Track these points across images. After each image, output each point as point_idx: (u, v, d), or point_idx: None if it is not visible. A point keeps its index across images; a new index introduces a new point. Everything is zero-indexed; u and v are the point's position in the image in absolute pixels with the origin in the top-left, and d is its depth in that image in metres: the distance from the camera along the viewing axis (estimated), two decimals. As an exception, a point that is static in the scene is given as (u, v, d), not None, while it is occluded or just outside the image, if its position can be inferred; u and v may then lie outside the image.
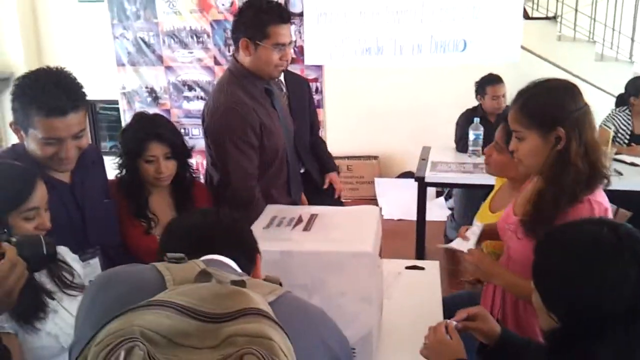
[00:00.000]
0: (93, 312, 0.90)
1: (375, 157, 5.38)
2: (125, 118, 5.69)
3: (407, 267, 2.28)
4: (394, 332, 1.81)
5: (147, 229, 2.08)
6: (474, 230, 2.00)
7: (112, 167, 2.10)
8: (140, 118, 2.13)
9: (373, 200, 5.12)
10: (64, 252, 1.62)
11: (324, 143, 3.23)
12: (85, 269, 1.77)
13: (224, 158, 2.26)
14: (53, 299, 1.47)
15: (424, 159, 3.76)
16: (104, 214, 1.91)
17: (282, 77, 2.93)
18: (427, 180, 3.41)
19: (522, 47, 4.69)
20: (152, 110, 5.61)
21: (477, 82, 4.18)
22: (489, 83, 4.07)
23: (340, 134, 5.35)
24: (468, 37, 4.77)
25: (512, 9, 4.57)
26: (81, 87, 1.67)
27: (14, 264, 1.09)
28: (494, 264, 1.88)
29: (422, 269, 2.29)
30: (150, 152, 2.02)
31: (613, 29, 5.09)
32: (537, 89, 1.71)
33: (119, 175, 2.10)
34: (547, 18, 5.17)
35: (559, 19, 5.17)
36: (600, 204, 1.64)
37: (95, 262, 1.86)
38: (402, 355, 1.71)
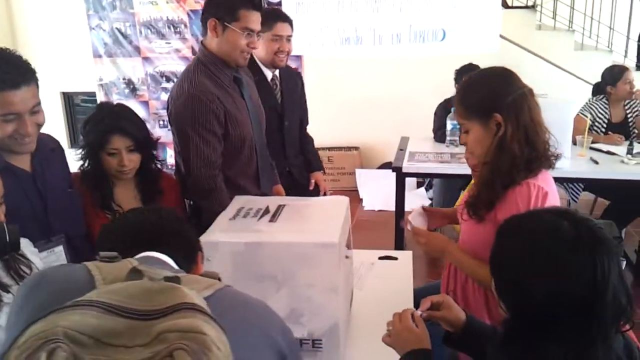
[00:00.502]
0: (23, 314, 0.88)
1: (356, 148, 5.35)
2: (103, 110, 5.61)
3: (381, 258, 2.27)
4: (363, 324, 1.79)
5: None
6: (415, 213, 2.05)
7: (74, 159, 2.06)
8: (102, 109, 2.08)
9: (354, 191, 5.10)
10: (23, 245, 1.58)
11: (312, 141, 3.22)
12: (49, 257, 1.75)
13: (185, 146, 2.23)
14: (8, 292, 1.43)
15: (402, 149, 3.74)
16: (67, 203, 1.87)
17: (277, 72, 2.92)
18: (404, 170, 3.39)
19: (501, 37, 4.69)
20: (130, 102, 5.55)
21: (456, 71, 4.16)
22: (467, 71, 4.05)
23: (320, 124, 5.26)
24: (447, 27, 4.76)
25: (491, -2, 4.57)
26: (28, 63, 1.64)
27: None
28: (443, 241, 1.90)
29: (396, 259, 2.28)
30: (112, 145, 1.98)
31: (592, 18, 5.09)
32: (473, 79, 1.75)
33: (81, 168, 2.06)
34: (526, 7, 5.16)
35: (538, 8, 5.16)
36: (540, 187, 1.64)
37: (60, 250, 1.82)
38: (370, 346, 1.69)
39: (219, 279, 0.95)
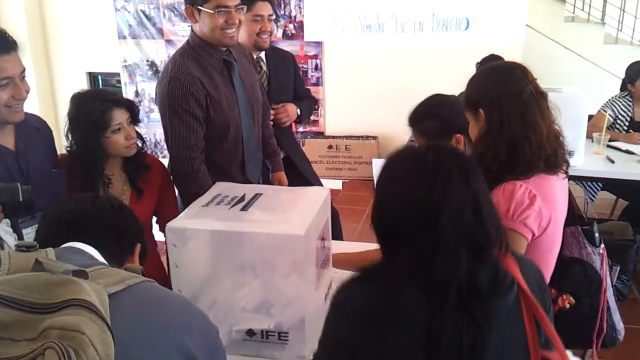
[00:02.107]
0: None
1: (375, 138, 5.29)
2: (127, 91, 5.69)
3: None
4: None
5: None
6: None
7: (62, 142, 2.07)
8: (86, 95, 2.07)
9: (370, 181, 5.05)
10: (-3, 223, 1.61)
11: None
12: (33, 233, 1.76)
13: (166, 127, 2.24)
14: None
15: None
16: (52, 183, 1.89)
17: (262, 55, 2.86)
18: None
19: (528, 26, 4.56)
20: (153, 84, 5.59)
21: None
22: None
23: (339, 113, 5.27)
24: (471, 16, 4.65)
25: (517, -15, 4.44)
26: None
27: None
28: None
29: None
30: (116, 120, 1.98)
31: (624, 11, 4.90)
32: (477, 72, 1.73)
33: (69, 150, 2.07)
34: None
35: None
36: (527, 189, 1.56)
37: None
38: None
39: (143, 274, 0.94)
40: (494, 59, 3.90)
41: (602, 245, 1.84)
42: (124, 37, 5.52)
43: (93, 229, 1.07)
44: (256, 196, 1.72)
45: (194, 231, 1.53)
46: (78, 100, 2.01)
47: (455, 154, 1.11)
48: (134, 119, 2.05)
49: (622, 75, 4.47)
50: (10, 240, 1.62)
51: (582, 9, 4.96)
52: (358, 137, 5.29)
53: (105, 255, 1.02)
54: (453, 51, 4.92)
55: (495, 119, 1.58)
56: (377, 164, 4.24)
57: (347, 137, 5.25)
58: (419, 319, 1.02)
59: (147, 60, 5.57)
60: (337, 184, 5.19)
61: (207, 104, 2.20)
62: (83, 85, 5.73)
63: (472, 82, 1.72)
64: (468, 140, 1.77)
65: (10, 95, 1.68)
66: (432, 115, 1.89)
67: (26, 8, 5.54)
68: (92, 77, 5.84)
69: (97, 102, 1.97)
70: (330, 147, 5.26)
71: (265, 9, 2.70)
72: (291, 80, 3.03)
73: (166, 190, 2.21)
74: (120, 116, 1.99)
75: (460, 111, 1.76)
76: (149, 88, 5.64)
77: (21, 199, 1.20)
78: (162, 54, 5.50)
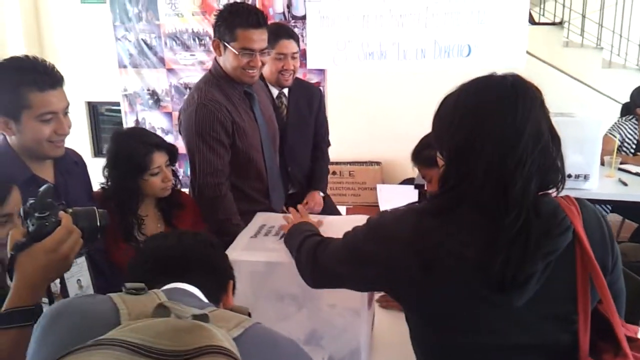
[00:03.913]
0: (43, 346, 0.84)
1: (378, 163, 5.31)
2: (127, 120, 5.66)
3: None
4: (385, 347, 1.75)
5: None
6: None
7: (99, 178, 2.05)
8: (130, 134, 2.07)
9: (375, 207, 5.04)
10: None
11: (324, 160, 3.09)
12: (72, 268, 1.73)
13: (192, 153, 2.24)
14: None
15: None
16: None
17: (285, 90, 2.84)
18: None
19: (528, 53, 4.63)
20: (154, 113, 5.60)
21: None
22: None
23: (342, 139, 5.26)
24: (473, 42, 4.71)
25: (518, 13, 4.51)
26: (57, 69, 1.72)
27: (69, 231, 1.13)
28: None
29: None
30: (155, 164, 1.99)
31: (620, 36, 5.01)
32: None
33: (104, 187, 2.05)
34: (553, 24, 5.09)
35: (565, 25, 5.09)
36: None
37: (82, 261, 1.80)
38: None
39: (249, 314, 0.92)
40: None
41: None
42: (125, 67, 5.51)
43: (195, 267, 1.04)
44: (302, 226, 1.71)
45: (248, 263, 1.52)
46: (120, 140, 2.01)
47: (530, 83, 1.14)
48: (172, 161, 2.05)
49: (619, 99, 4.57)
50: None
51: (580, 34, 5.06)
52: (362, 163, 5.30)
53: (206, 295, 1.00)
54: (455, 77, 4.82)
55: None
56: (382, 190, 4.25)
57: (350, 163, 5.26)
58: (473, 241, 1.06)
59: (148, 89, 5.56)
60: (341, 210, 5.18)
61: (232, 131, 2.22)
62: (82, 115, 5.71)
63: None
64: None
65: (53, 130, 1.67)
66: (426, 144, 2.00)
67: (25, 37, 5.54)
68: (92, 106, 5.81)
69: (140, 144, 1.97)
70: (334, 173, 5.25)
71: (289, 47, 2.69)
72: (313, 117, 2.98)
73: (198, 226, 2.20)
74: (160, 159, 1.99)
75: None
76: (150, 117, 5.62)
77: (99, 224, 1.19)
78: (163, 83, 5.50)
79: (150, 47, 5.41)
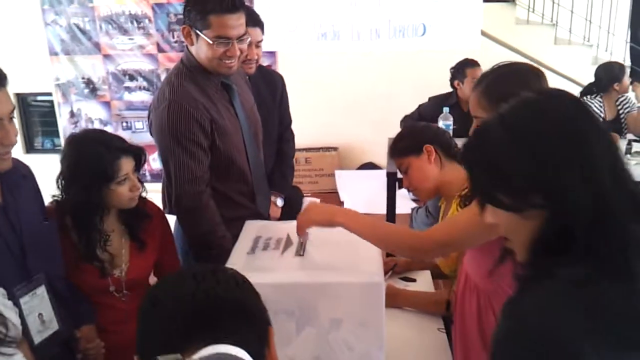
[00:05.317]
0: None
1: (335, 149, 5.13)
2: (61, 112, 5.24)
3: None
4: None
5: (102, 271, 1.78)
6: None
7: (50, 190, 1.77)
8: (89, 138, 1.78)
9: (334, 193, 4.87)
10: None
11: (288, 156, 2.92)
12: (32, 301, 1.51)
13: (167, 159, 1.97)
14: None
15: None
16: (45, 238, 1.60)
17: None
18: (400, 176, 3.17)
19: (482, 33, 4.56)
20: (90, 103, 5.20)
21: (453, 68, 4.00)
22: (468, 66, 3.89)
23: (296, 125, 5.02)
24: (427, 21, 4.58)
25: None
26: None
27: None
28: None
29: (414, 280, 2.08)
30: (122, 171, 1.72)
31: (572, 12, 5.00)
32: (501, 71, 1.57)
33: (57, 200, 1.77)
34: (505, 1, 5.04)
35: (517, 1, 5.05)
36: None
37: (42, 291, 1.57)
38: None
39: None
40: (471, 63, 3.88)
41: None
42: (56, 54, 5.07)
43: (228, 318, 0.81)
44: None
45: (256, 285, 1.30)
46: (79, 145, 1.72)
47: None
48: (138, 166, 1.78)
49: (570, 75, 4.57)
50: (13, 316, 1.33)
51: (533, 11, 5.01)
52: (318, 149, 5.11)
53: (251, 354, 0.78)
54: (410, 57, 4.85)
55: None
56: (341, 176, 4.09)
57: (306, 150, 5.05)
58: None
59: (83, 78, 5.15)
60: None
61: (212, 130, 1.96)
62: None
63: (506, 83, 1.54)
64: (440, 148, 1.94)
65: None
66: (400, 137, 2.04)
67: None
68: (21, 98, 5.33)
69: (104, 149, 1.69)
70: (289, 161, 5.05)
71: (254, 35, 2.43)
72: (276, 109, 2.78)
73: (167, 238, 1.95)
74: (127, 166, 1.73)
75: (421, 127, 2.13)
76: (86, 107, 5.23)
77: None
78: (99, 70, 5.11)
79: (83, 32, 4.99)
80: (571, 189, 0.88)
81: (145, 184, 1.85)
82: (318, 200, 1.95)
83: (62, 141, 5.36)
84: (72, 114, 5.28)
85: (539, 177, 0.89)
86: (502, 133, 0.93)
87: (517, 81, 1.52)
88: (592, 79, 4.13)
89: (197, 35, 1.91)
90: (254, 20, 2.48)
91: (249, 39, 2.02)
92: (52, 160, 2.34)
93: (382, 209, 3.48)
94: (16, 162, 1.56)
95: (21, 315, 1.41)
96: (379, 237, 1.44)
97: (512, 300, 0.92)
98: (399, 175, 3.16)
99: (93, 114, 5.27)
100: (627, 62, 4.87)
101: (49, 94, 5.22)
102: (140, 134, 5.22)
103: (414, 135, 2.02)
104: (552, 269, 0.87)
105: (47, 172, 1.84)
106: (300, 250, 1.42)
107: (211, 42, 1.89)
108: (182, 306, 0.81)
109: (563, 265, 0.87)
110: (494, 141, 0.94)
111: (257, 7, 4.34)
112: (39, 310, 1.50)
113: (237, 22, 1.91)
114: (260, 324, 0.87)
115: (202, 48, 1.93)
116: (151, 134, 2.05)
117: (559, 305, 0.85)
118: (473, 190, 1.02)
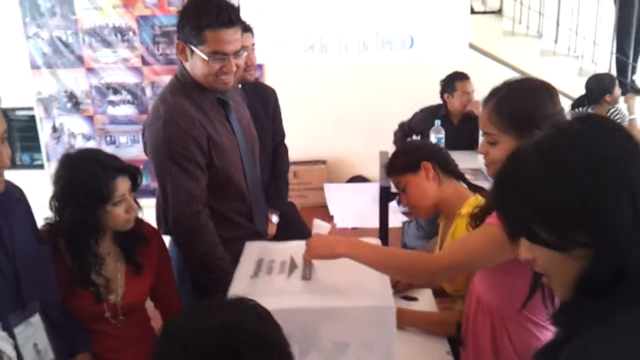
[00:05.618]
0: None
1: (323, 162, 5.08)
2: (43, 127, 5.13)
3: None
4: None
5: (97, 296, 1.70)
6: None
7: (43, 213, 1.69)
8: (83, 157, 1.70)
9: (323, 207, 4.82)
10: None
11: (283, 172, 2.92)
12: (26, 331, 1.43)
13: (163, 178, 1.90)
14: None
15: (384, 166, 3.49)
16: (39, 263, 1.52)
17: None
18: (393, 190, 3.13)
19: (470, 46, 4.55)
20: (73, 117, 5.10)
21: (443, 80, 3.99)
22: (458, 79, 3.87)
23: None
24: (415, 34, 4.57)
25: (459, 3, 4.42)
26: None
27: None
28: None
29: (416, 299, 2.03)
30: (119, 192, 1.65)
31: (557, 23, 5.02)
32: (512, 87, 1.53)
33: (50, 223, 1.69)
34: (492, 12, 5.05)
35: (504, 13, 5.06)
36: None
37: (37, 320, 1.50)
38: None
39: None
40: (461, 76, 3.87)
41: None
42: (38, 67, 4.99)
43: (250, 354, 0.77)
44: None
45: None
46: (73, 165, 1.65)
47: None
48: (135, 186, 1.71)
49: (558, 87, 4.57)
50: (9, 348, 1.26)
51: (520, 23, 5.03)
52: (306, 163, 5.05)
53: None
54: (399, 69, 4.83)
55: None
56: (331, 189, 4.09)
57: (294, 163, 4.97)
58: None
59: (66, 91, 5.06)
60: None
61: (209, 148, 1.89)
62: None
63: (519, 101, 1.51)
64: (437, 164, 1.93)
65: None
66: (396, 155, 2.05)
67: None
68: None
69: (99, 169, 1.61)
70: (277, 174, 4.99)
71: (247, 41, 2.37)
72: (270, 123, 2.73)
73: (164, 262, 1.88)
74: (123, 186, 1.66)
75: (417, 144, 2.23)
76: (69, 122, 5.14)
77: None
78: (82, 84, 5.02)
79: (66, 45, 4.90)
80: (621, 228, 0.81)
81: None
82: (328, 225, 1.87)
83: (43, 156, 5.25)
84: (54, 129, 5.18)
85: (586, 215, 0.82)
86: (540, 163, 0.86)
87: (528, 98, 1.50)
88: (578, 90, 4.15)
89: (192, 51, 1.85)
90: (244, 27, 2.43)
91: (245, 54, 1.97)
92: (31, 176, 2.21)
93: (373, 223, 3.44)
94: (9, 185, 1.48)
95: (16, 347, 1.34)
96: (386, 264, 1.38)
97: (572, 349, 0.84)
98: (393, 190, 3.15)
99: (76, 129, 5.17)
100: (613, 73, 4.90)
101: (31, 109, 5.11)
102: (125, 149, 5.13)
103: (411, 153, 2.01)
104: (607, 313, 0.81)
105: (25, 188, 1.74)
106: (307, 274, 1.36)
107: (207, 58, 1.82)
108: (197, 347, 0.76)
109: (620, 308, 0.81)
110: (533, 171, 0.86)
111: (244, 19, 4.29)
112: (33, 340, 1.42)
113: (233, 37, 1.84)
114: (281, 357, 0.81)
115: (197, 64, 1.86)
116: (146, 153, 1.98)
117: (630, 354, 0.79)
118: (506, 222, 0.93)
